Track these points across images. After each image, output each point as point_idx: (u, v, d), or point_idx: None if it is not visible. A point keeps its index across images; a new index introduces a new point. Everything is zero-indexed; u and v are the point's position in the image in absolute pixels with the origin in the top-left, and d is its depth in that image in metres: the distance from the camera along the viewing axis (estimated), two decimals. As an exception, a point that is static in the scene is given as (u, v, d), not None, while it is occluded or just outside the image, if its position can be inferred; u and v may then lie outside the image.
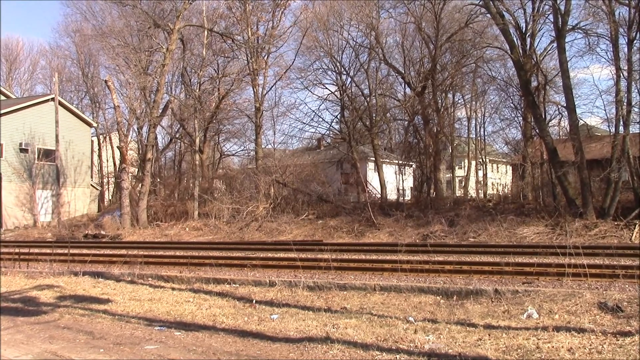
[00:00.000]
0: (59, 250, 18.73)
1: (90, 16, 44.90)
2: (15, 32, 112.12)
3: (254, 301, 10.06)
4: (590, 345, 6.48)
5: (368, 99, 38.08)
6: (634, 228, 20.02)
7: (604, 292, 9.32)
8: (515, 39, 25.60)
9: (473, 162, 51.01)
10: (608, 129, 27.99)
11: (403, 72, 37.30)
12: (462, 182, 52.85)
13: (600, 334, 6.91)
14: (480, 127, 50.21)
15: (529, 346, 6.50)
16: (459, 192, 48.56)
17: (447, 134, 41.22)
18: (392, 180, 37.63)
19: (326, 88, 41.59)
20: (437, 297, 10.10)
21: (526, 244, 18.89)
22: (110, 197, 52.27)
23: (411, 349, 6.69)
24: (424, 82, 34.95)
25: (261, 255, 17.11)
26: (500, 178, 58.18)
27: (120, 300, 10.62)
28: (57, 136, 34.24)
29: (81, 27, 49.85)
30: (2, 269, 15.50)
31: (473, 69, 37.10)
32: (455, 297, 9.98)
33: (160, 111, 34.06)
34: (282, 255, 17.24)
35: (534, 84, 28.22)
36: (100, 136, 53.80)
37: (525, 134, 33.32)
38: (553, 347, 6.44)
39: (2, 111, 36.70)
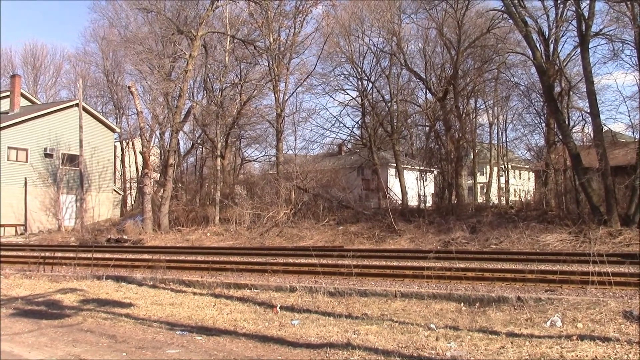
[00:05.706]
0: (83, 255, 18.92)
1: (116, 22, 45.61)
2: (42, 37, 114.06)
3: (277, 307, 10.06)
4: (615, 354, 6.37)
5: (389, 104, 38.05)
6: (660, 236, 19.67)
7: (629, 301, 9.17)
8: (538, 45, 25.38)
9: (495, 169, 50.63)
10: (632, 135, 27.60)
11: (424, 77, 37.23)
12: (484, 189, 52.45)
13: (625, 343, 6.79)
14: (502, 133, 49.90)
15: (552, 355, 6.41)
16: (480, 199, 48.21)
17: (469, 140, 40.97)
18: (413, 186, 37.45)
19: (347, 94, 41.68)
20: (459, 304, 10.00)
21: (549, 252, 18.67)
22: (133, 202, 52.83)
23: (433, 356, 6.65)
24: (446, 87, 34.88)
25: (282, 261, 17.11)
26: (522, 185, 57.71)
27: (142, 305, 10.69)
28: (80, 141, 34.69)
29: (107, 33, 50.66)
30: (27, 272, 15.73)
31: (495, 74, 36.89)
32: (477, 305, 9.88)
33: (182, 117, 34.36)
34: (302, 260, 17.23)
35: (557, 89, 27.92)
36: (123, 141, 54.44)
37: (548, 140, 32.99)
38: (577, 356, 6.35)
39: (29, 116, 37.56)
